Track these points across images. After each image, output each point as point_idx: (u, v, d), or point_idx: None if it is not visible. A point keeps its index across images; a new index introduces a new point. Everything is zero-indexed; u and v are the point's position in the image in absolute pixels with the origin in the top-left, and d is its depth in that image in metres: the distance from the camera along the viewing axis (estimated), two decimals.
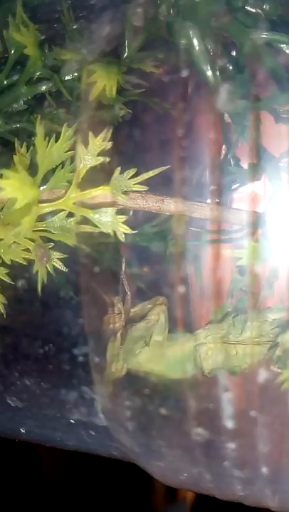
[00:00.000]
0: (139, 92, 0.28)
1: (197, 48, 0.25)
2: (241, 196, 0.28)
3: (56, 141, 0.24)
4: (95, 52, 0.27)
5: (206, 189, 0.27)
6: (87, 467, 0.54)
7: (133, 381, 0.28)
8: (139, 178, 0.25)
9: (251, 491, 0.28)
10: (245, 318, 0.27)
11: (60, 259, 0.26)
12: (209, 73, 0.25)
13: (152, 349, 0.28)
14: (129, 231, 0.25)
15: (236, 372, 0.27)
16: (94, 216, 0.25)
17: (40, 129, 0.24)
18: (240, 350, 0.27)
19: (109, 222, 0.25)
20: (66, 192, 0.25)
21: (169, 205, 0.26)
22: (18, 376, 0.32)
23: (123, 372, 0.28)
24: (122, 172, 0.25)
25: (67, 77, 0.28)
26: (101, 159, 0.24)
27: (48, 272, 0.25)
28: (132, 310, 0.29)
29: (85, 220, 0.25)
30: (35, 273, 0.25)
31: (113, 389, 0.28)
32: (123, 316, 0.28)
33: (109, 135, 0.24)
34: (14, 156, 0.24)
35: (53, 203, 0.25)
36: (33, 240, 0.25)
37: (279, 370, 0.26)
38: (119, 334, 0.28)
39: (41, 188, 0.25)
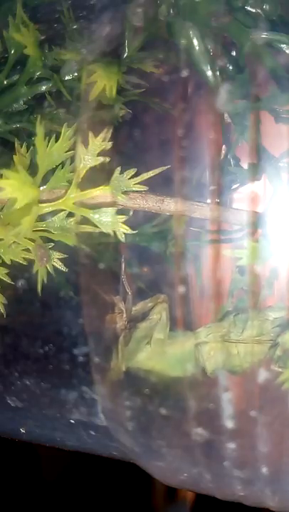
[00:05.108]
0: (139, 92, 0.28)
1: (197, 48, 0.25)
2: (241, 196, 0.28)
3: (56, 141, 0.24)
4: (95, 52, 0.27)
5: (206, 189, 0.27)
6: (87, 467, 0.54)
7: (133, 381, 0.28)
8: (139, 178, 0.25)
9: (251, 491, 0.28)
10: (246, 317, 0.27)
11: (60, 259, 0.26)
12: (209, 73, 0.25)
13: (153, 347, 0.28)
14: (129, 231, 0.25)
15: (238, 372, 0.27)
16: (94, 216, 0.25)
17: (40, 129, 0.24)
18: (241, 349, 0.27)
19: (109, 222, 0.25)
20: (66, 192, 0.25)
21: (169, 205, 0.26)
22: (18, 376, 0.31)
23: (123, 369, 0.28)
24: (122, 172, 0.25)
25: (67, 77, 0.28)
26: (101, 159, 0.24)
27: (48, 272, 0.25)
28: (134, 309, 0.29)
29: (85, 220, 0.25)
30: (35, 273, 0.25)
31: (113, 389, 0.28)
32: (125, 315, 0.28)
33: (109, 135, 0.24)
34: (14, 156, 0.24)
35: (53, 203, 0.25)
36: (33, 240, 0.25)
37: (279, 370, 0.26)
38: (122, 337, 0.28)
39: (41, 188, 0.25)
